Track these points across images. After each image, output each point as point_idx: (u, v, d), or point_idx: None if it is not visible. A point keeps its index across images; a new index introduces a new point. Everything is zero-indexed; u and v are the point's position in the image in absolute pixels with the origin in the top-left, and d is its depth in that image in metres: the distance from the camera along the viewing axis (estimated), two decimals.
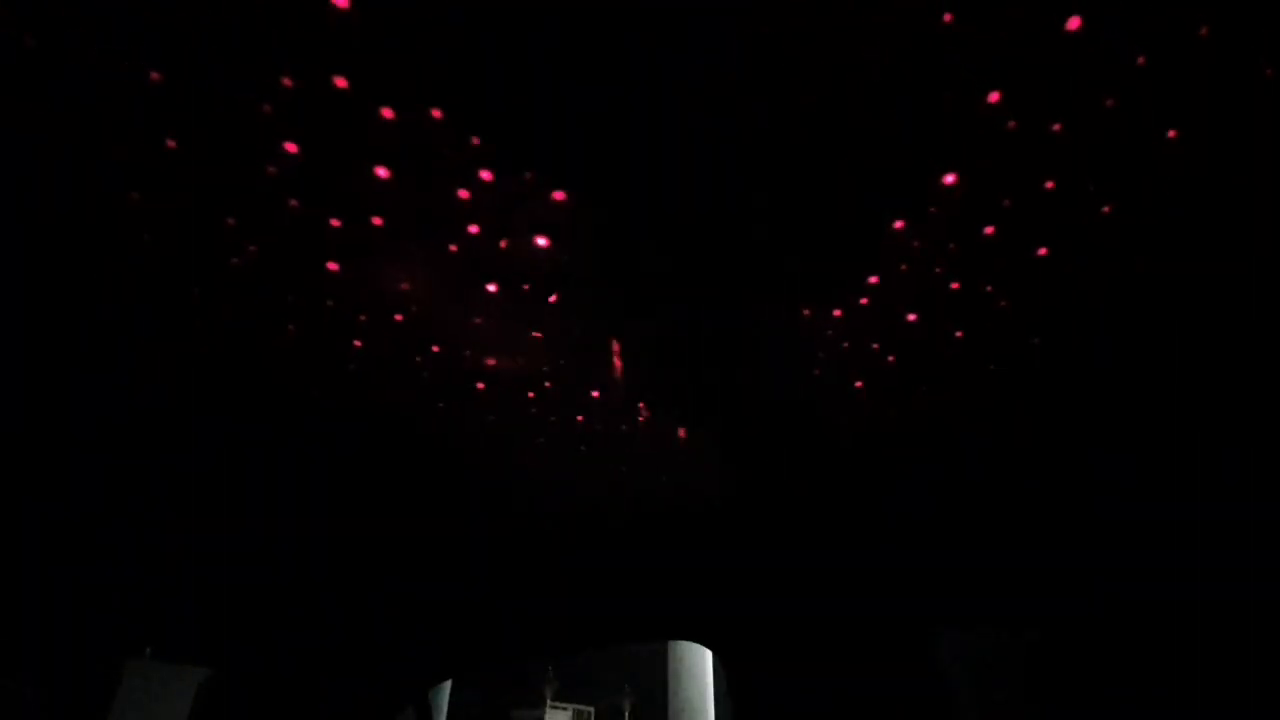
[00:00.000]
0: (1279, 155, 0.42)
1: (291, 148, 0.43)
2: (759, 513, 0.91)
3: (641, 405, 0.72)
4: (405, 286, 0.54)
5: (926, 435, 0.79)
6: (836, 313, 0.60)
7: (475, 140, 0.42)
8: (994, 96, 0.39)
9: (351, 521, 1.01)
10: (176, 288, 0.54)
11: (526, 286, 0.55)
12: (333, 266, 0.52)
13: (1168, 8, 0.33)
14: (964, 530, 0.94)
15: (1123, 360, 0.68)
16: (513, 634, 1.41)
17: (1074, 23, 0.35)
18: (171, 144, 0.42)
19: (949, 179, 0.44)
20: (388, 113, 0.40)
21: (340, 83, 0.38)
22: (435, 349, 0.63)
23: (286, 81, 0.38)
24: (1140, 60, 0.36)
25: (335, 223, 0.49)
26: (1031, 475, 0.86)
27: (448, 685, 5.48)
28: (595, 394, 0.70)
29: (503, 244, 0.50)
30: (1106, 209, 0.47)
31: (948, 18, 0.34)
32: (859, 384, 0.70)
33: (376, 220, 0.48)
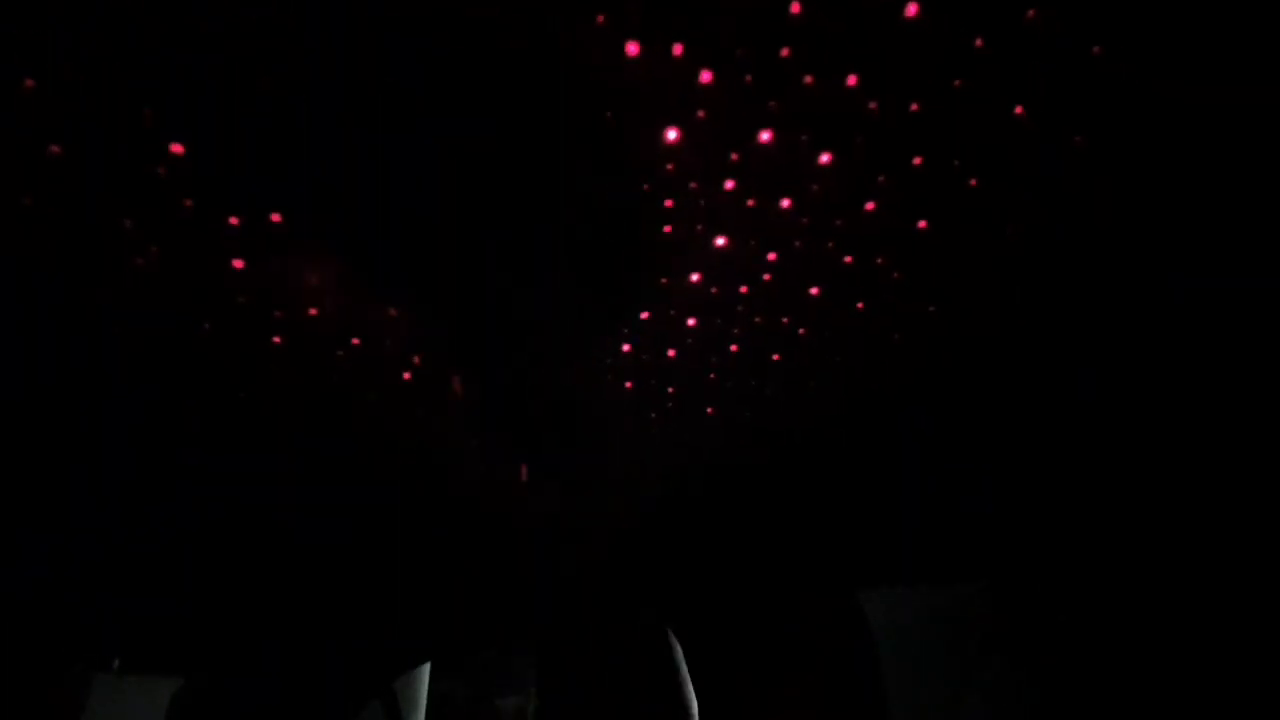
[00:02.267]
0: (1112, 125, 0.46)
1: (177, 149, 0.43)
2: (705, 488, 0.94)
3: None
4: (315, 281, 0.55)
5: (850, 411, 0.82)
6: (743, 289, 0.62)
7: None
8: (852, 80, 0.41)
9: (300, 515, 1.02)
10: (80, 289, 0.54)
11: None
12: (237, 264, 0.53)
13: None
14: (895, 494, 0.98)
15: (1023, 322, 0.72)
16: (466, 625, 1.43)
17: (912, 9, 0.37)
18: (55, 149, 0.42)
19: (824, 158, 0.47)
20: None
21: None
22: (355, 342, 0.63)
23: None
24: (978, 43, 0.39)
25: (234, 220, 0.49)
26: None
27: (425, 676, 5.47)
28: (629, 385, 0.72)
29: None
30: (973, 181, 0.50)
31: (795, 8, 0.36)
32: (775, 357, 0.73)
33: (275, 217, 0.49)
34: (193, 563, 1.23)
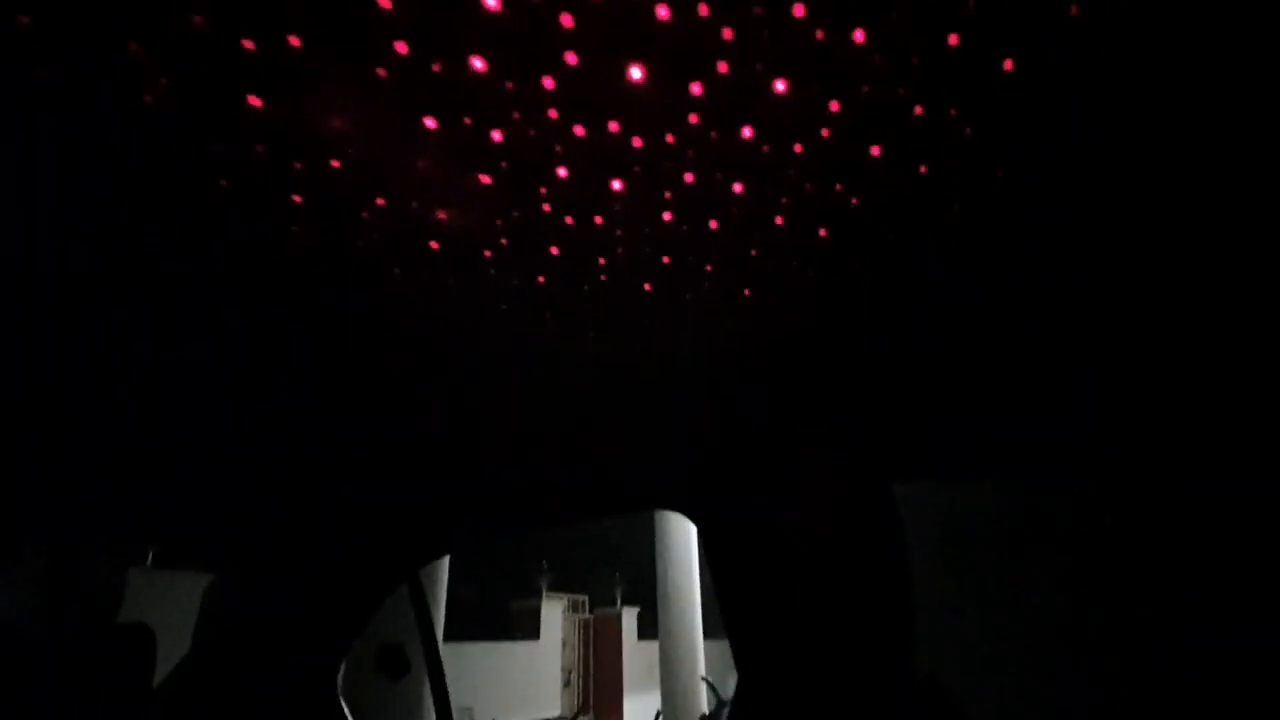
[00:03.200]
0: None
1: None
2: (732, 373, 0.92)
3: (603, 261, 0.70)
4: (336, 124, 0.51)
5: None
6: (798, 147, 0.57)
7: None
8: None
9: (321, 403, 1.01)
10: (82, 132, 0.50)
11: (468, 122, 0.51)
12: (255, 101, 0.49)
13: None
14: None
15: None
16: (493, 512, 1.46)
17: None
18: None
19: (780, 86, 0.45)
20: None
21: None
22: (380, 202, 0.60)
23: None
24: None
25: (249, 44, 0.44)
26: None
27: (444, 579, 5.78)
28: (554, 251, 0.69)
29: (436, 67, 0.47)
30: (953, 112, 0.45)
31: None
32: (823, 233, 0.69)
33: (294, 40, 0.44)
34: (219, 452, 1.24)
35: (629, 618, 12.89)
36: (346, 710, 1.77)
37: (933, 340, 0.83)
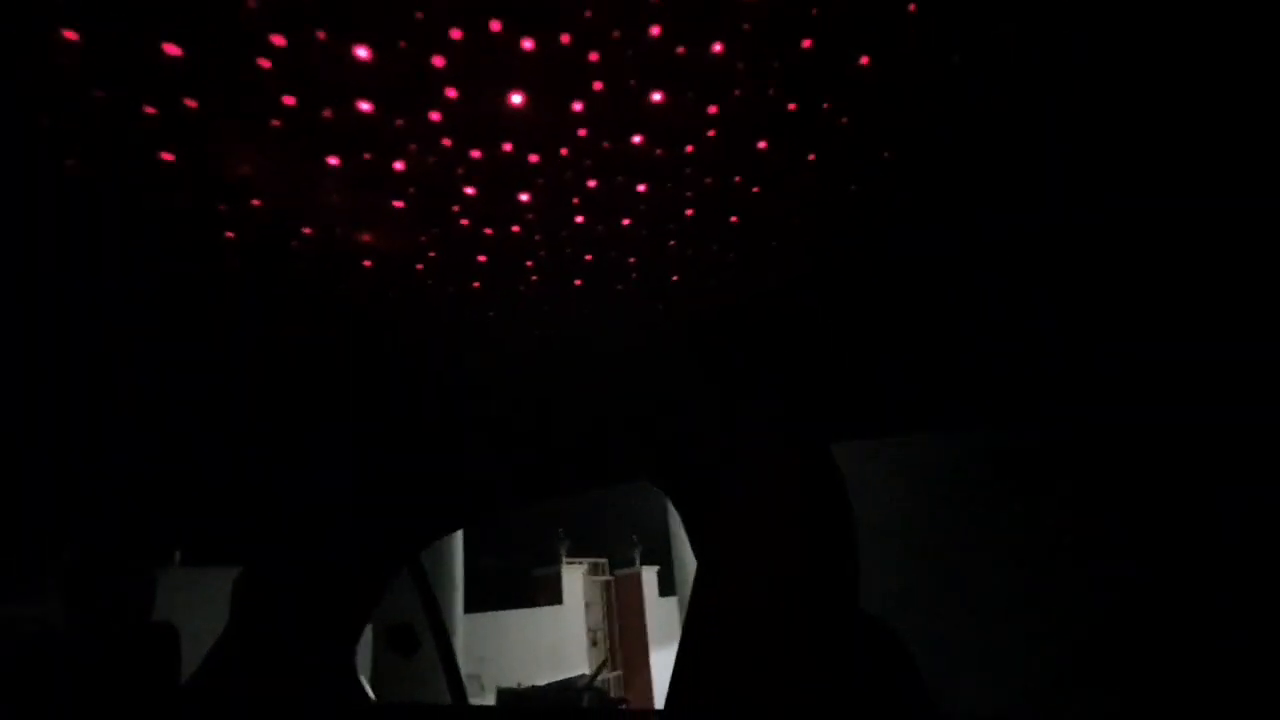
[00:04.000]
0: None
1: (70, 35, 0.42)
2: (667, 352, 0.96)
3: (530, 264, 0.75)
4: (246, 170, 0.54)
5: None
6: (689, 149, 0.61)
7: None
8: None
9: (303, 403, 1.06)
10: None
11: (369, 158, 0.55)
12: (168, 157, 0.52)
13: None
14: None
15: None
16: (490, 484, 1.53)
17: None
18: None
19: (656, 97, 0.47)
20: None
21: None
22: (307, 231, 0.64)
23: None
24: None
25: (150, 110, 0.48)
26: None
27: (459, 555, 5.99)
28: (482, 259, 0.73)
29: (326, 114, 0.50)
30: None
31: None
32: (734, 219, 0.72)
33: (189, 103, 0.48)
34: (225, 454, 1.31)
35: (649, 576, 13.24)
36: (367, 687, 1.88)
37: (851, 303, 0.87)
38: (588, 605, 12.65)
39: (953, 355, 1.06)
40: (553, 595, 12.88)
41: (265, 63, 0.46)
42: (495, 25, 0.46)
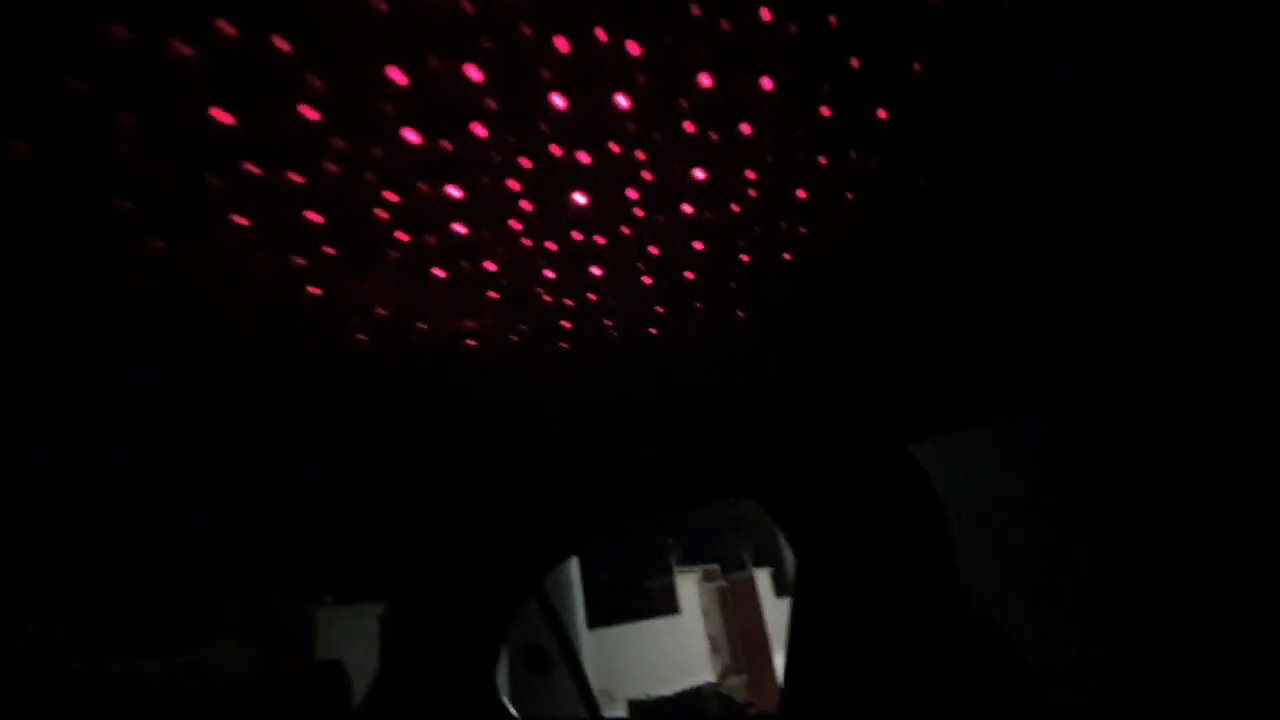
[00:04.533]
0: None
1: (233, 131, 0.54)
2: (740, 381, 1.03)
3: (609, 322, 0.84)
4: (373, 291, 0.67)
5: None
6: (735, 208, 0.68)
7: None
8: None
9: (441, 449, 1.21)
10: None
11: (466, 266, 0.66)
12: (314, 291, 0.65)
13: None
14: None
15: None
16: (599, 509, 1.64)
17: None
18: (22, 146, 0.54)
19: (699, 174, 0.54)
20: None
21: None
22: (421, 326, 0.76)
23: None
24: None
25: (300, 261, 0.61)
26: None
27: (576, 575, 6.24)
28: (566, 325, 0.83)
29: (430, 239, 0.61)
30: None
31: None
32: (788, 256, 0.78)
33: (329, 250, 0.60)
34: (379, 510, 1.49)
35: (763, 578, 13.10)
36: (509, 707, 2.03)
37: (901, 324, 0.91)
38: (705, 612, 12.69)
39: (1017, 346, 1.06)
40: (669, 605, 13.03)
41: (383, 213, 0.57)
42: (556, 150, 0.56)
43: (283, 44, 0.41)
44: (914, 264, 0.85)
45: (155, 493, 1.10)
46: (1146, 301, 0.94)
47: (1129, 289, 0.89)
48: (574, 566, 5.96)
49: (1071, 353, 0.97)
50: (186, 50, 0.40)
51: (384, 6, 0.41)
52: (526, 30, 0.45)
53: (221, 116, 0.45)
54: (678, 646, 12.48)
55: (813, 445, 1.01)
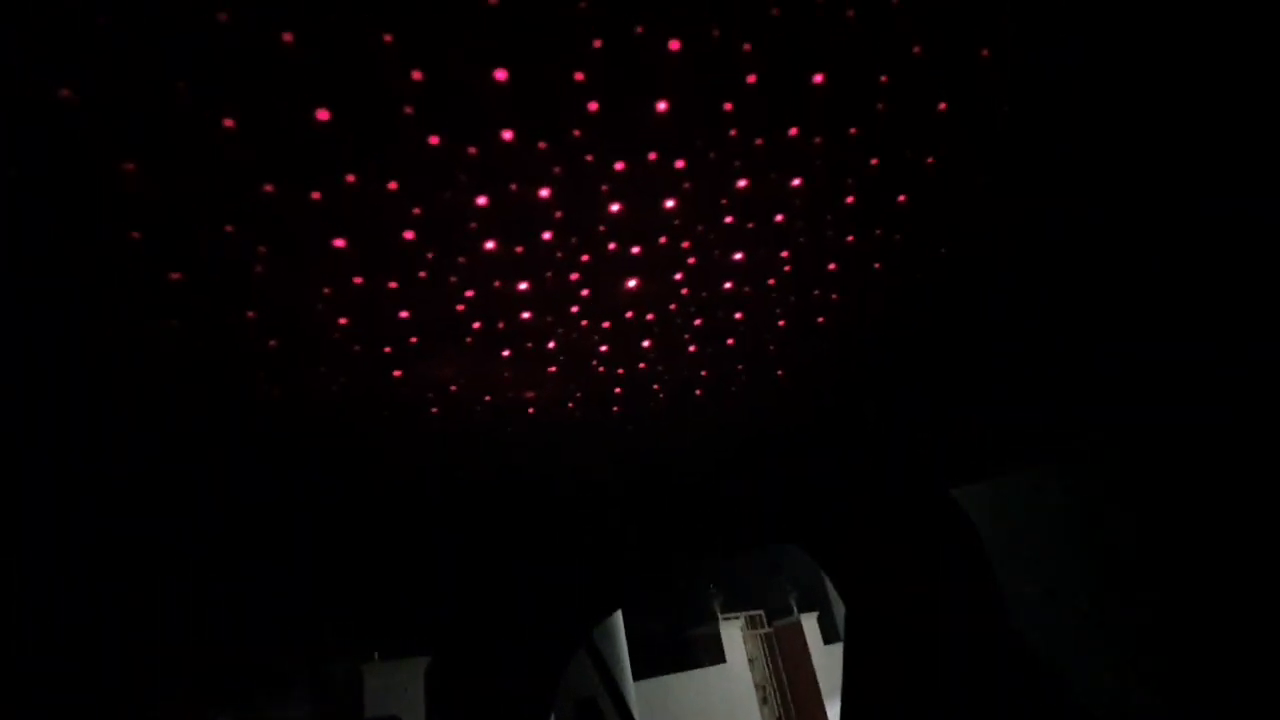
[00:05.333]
0: None
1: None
2: (779, 438, 1.07)
3: (656, 387, 0.90)
4: (449, 372, 0.75)
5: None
6: (771, 281, 0.74)
7: None
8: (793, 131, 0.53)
9: (496, 507, 1.27)
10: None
11: (530, 346, 0.74)
12: (397, 374, 0.74)
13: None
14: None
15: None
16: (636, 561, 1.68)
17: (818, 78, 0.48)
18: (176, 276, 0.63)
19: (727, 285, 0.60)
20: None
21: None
22: (487, 398, 0.83)
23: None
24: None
25: (388, 349, 0.69)
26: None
27: (620, 620, 6.16)
28: (619, 390, 0.89)
29: (500, 325, 0.69)
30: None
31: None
32: (820, 320, 0.84)
33: (413, 339, 0.68)
34: (413, 559, 1.55)
35: (809, 624, 12.66)
36: None
37: (935, 374, 0.95)
38: (751, 661, 12.28)
39: (1046, 396, 1.08)
40: (714, 654, 12.66)
41: (461, 307, 0.65)
42: (612, 246, 0.63)
43: (392, 185, 0.50)
44: (943, 319, 0.90)
45: (243, 554, 1.18)
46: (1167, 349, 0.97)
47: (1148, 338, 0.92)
48: (617, 617, 5.90)
49: (1098, 399, 1.00)
50: (316, 195, 0.49)
51: (473, 150, 0.50)
52: (589, 158, 0.53)
53: (339, 243, 0.53)
54: (724, 697, 12.07)
55: (855, 490, 1.05)
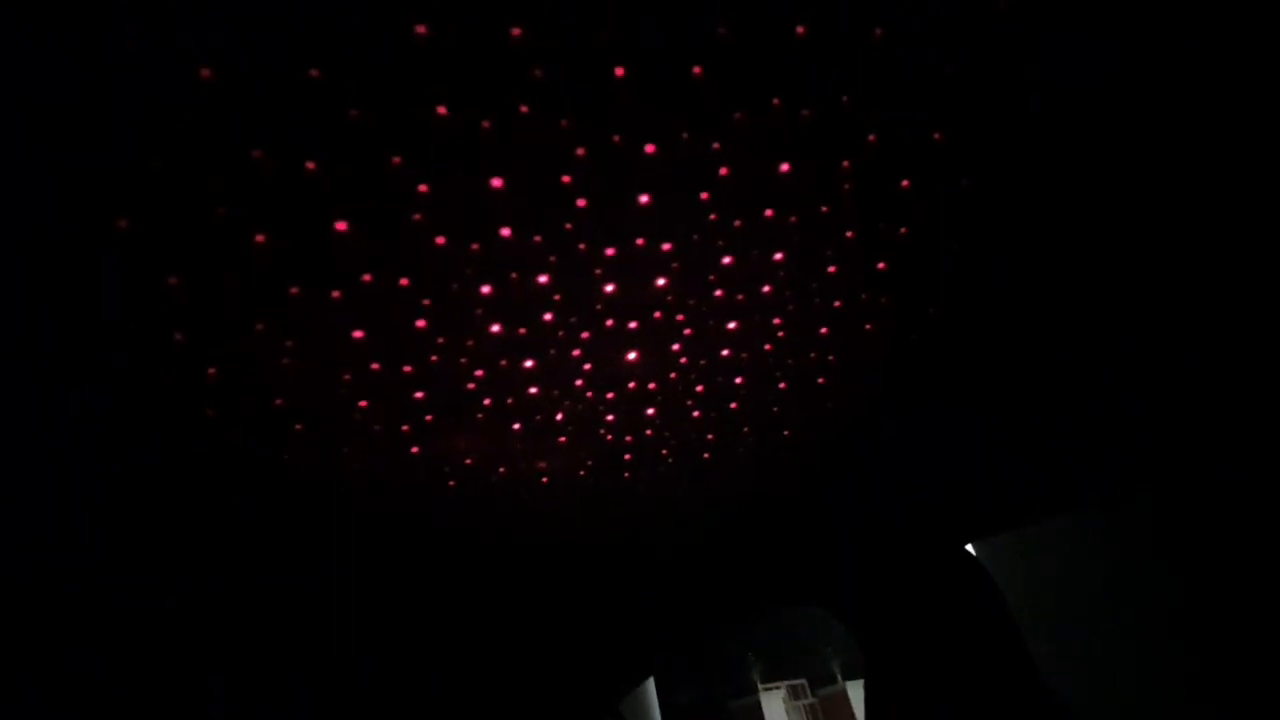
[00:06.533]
0: None
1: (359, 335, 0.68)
2: (791, 497, 1.08)
3: (665, 452, 0.93)
4: (463, 447, 0.78)
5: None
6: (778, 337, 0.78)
7: None
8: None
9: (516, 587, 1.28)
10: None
11: (539, 419, 0.77)
12: (415, 450, 0.78)
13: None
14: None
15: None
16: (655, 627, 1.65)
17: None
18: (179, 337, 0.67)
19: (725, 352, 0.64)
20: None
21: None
22: (501, 470, 0.87)
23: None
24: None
25: (406, 428, 0.73)
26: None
27: (653, 693, 5.91)
28: (628, 457, 0.92)
29: (509, 400, 0.73)
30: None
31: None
32: (821, 381, 0.87)
33: (428, 417, 0.73)
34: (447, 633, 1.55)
35: (855, 691, 12.00)
36: None
37: (943, 428, 0.96)
38: None
39: (1066, 444, 1.08)
40: None
41: (472, 386, 0.70)
42: (610, 322, 0.68)
43: (404, 280, 0.56)
44: (944, 375, 0.92)
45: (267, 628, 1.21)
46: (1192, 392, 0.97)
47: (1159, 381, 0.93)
48: (651, 691, 5.67)
49: (1112, 448, 1.00)
50: (336, 294, 0.55)
51: (476, 246, 0.55)
52: (583, 246, 0.58)
53: (358, 334, 0.59)
54: None
55: (871, 544, 1.05)
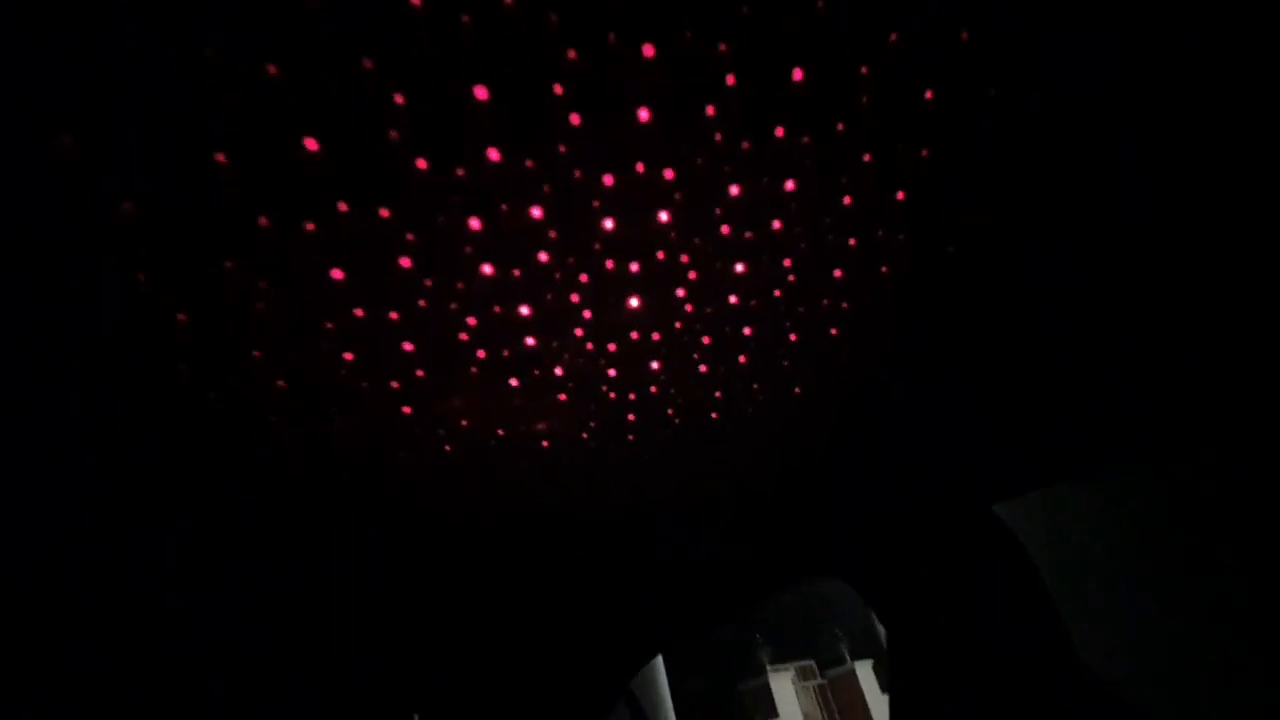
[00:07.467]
0: None
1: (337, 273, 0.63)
2: (811, 462, 1.04)
3: (671, 411, 0.88)
4: (457, 405, 0.74)
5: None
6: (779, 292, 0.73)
7: None
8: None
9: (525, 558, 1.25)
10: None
11: (537, 373, 0.73)
12: (406, 410, 0.73)
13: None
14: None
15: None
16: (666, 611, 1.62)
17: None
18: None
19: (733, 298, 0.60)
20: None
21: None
22: (500, 432, 0.82)
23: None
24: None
25: (395, 384, 0.69)
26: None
27: (664, 676, 5.92)
28: (631, 417, 0.88)
29: (505, 352, 0.69)
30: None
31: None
32: (834, 331, 0.83)
33: (419, 372, 0.68)
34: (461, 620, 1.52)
35: (864, 671, 12.06)
36: None
37: (948, 416, 0.92)
38: (805, 715, 11.68)
39: (1089, 401, 1.03)
40: (766, 709, 12.07)
41: (465, 336, 0.65)
42: (609, 264, 0.63)
43: (384, 211, 0.51)
44: (965, 324, 0.87)
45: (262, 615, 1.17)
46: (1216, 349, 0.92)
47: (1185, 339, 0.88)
48: (661, 676, 5.67)
49: (1131, 410, 0.95)
50: (310, 225, 0.50)
51: (462, 171, 0.50)
52: (578, 173, 0.53)
53: (336, 274, 0.54)
54: None
55: (892, 513, 1.01)
